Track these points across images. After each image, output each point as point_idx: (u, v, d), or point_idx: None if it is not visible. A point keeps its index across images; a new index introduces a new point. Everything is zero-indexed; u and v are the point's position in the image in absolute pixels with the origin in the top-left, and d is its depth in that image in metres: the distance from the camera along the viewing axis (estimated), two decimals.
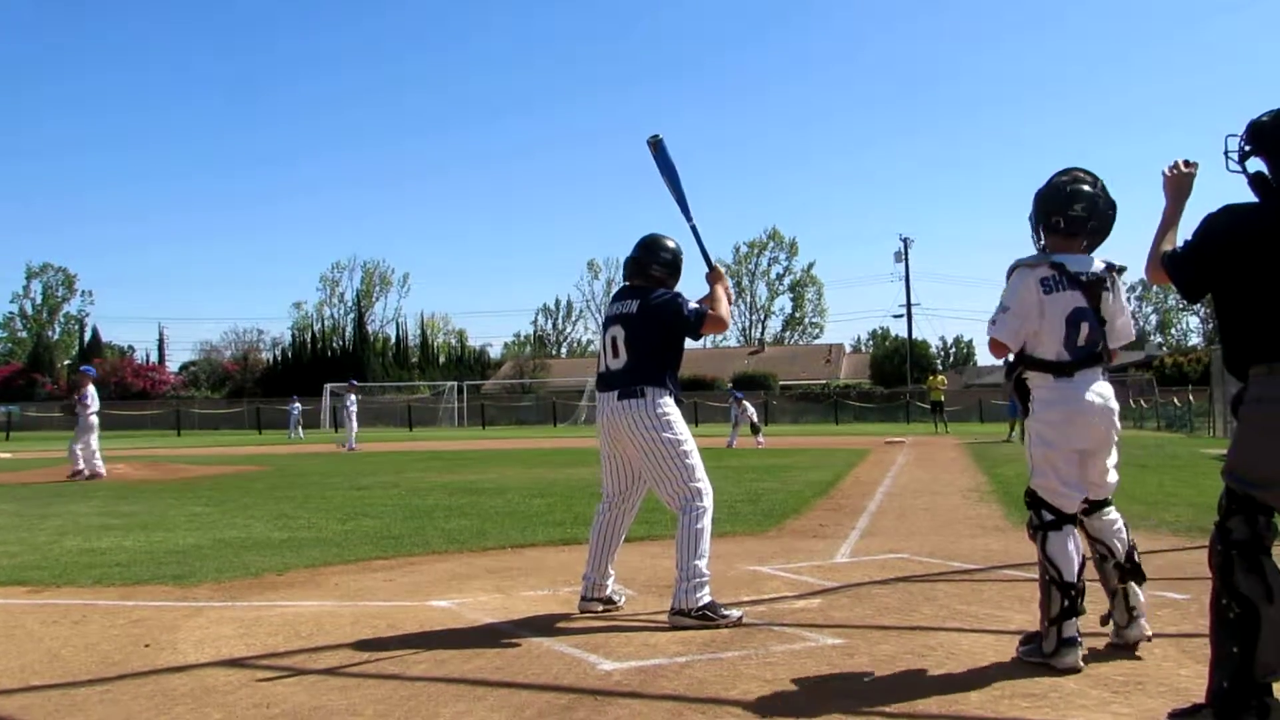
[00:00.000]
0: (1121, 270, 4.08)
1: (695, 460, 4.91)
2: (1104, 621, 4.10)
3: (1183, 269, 3.26)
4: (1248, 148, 3.20)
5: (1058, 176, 4.08)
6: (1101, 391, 3.96)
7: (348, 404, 27.99)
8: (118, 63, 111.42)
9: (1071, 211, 3.98)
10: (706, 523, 4.82)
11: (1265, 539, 3.07)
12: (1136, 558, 4.07)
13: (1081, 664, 3.80)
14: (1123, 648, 4.04)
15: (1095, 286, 3.96)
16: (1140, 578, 4.04)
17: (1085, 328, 3.91)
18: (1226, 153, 3.22)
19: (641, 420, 4.87)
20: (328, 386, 54.53)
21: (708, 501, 4.87)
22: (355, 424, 27.55)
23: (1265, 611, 2.99)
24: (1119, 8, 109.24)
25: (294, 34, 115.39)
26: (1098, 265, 4.01)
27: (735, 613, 4.77)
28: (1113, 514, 4.09)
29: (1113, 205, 4.07)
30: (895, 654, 4.17)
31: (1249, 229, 3.12)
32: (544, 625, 4.86)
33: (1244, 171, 3.21)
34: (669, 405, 4.93)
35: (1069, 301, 3.91)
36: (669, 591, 4.86)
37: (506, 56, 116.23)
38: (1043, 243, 4.09)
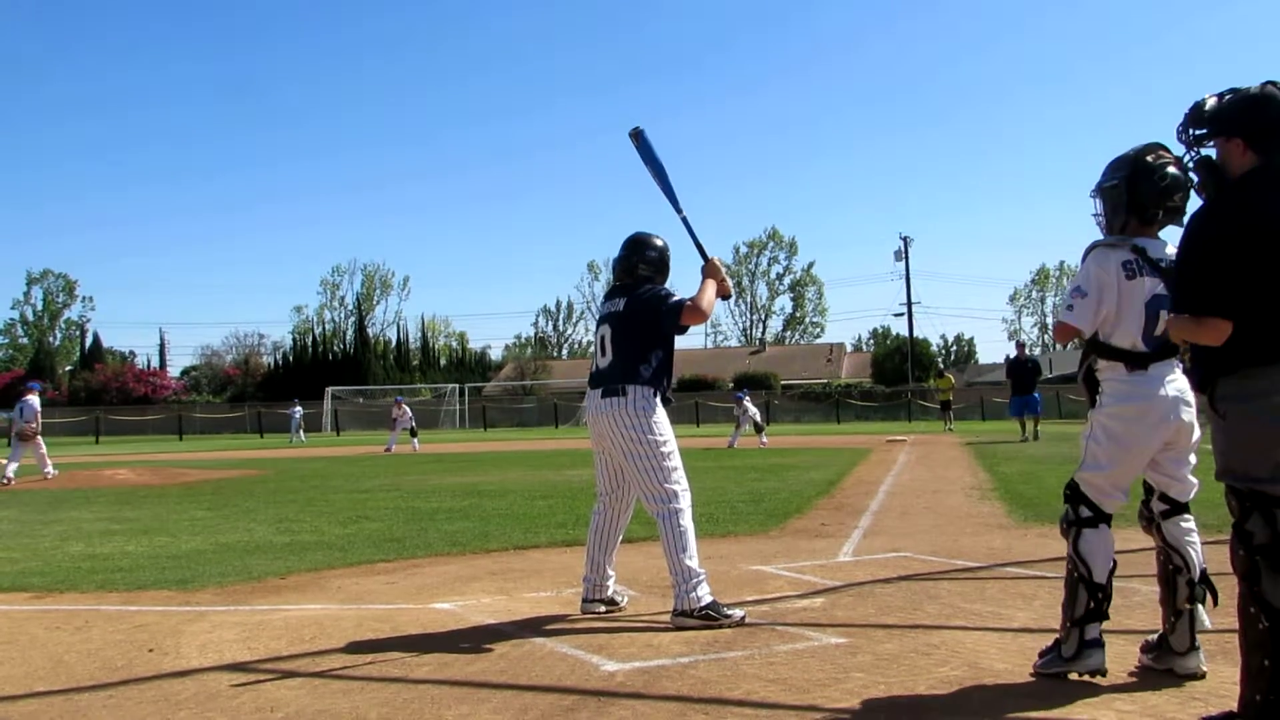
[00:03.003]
0: None
1: (674, 462, 4.91)
2: (1147, 649, 3.77)
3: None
4: (1202, 132, 3.13)
5: (1143, 159, 3.74)
6: (1179, 385, 3.71)
7: (396, 414, 29.03)
8: (116, 67, 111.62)
9: (1171, 202, 3.71)
10: (686, 522, 4.83)
11: None
12: (1208, 577, 3.68)
13: (1106, 666, 3.63)
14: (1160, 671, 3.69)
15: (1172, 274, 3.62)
16: (1215, 597, 3.64)
17: (1164, 317, 3.60)
18: (1188, 145, 3.16)
19: (622, 419, 4.89)
20: (329, 390, 54.62)
21: (684, 502, 4.87)
22: (412, 427, 28.53)
23: None
24: (1119, 4, 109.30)
25: (292, 36, 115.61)
26: (1171, 251, 3.69)
27: (738, 612, 4.77)
28: (1191, 523, 3.75)
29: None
30: (898, 653, 4.17)
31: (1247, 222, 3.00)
32: (547, 627, 4.86)
33: (1195, 163, 3.14)
34: (651, 404, 4.93)
35: (1149, 288, 3.67)
36: (670, 592, 4.86)
37: (505, 57, 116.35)
38: (1122, 224, 3.77)
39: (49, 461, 17.14)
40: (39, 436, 17.35)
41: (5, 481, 15.99)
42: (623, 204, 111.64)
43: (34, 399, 17.75)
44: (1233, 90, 3.15)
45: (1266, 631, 2.87)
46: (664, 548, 4.82)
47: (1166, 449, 3.75)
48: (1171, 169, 3.72)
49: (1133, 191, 3.74)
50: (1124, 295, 3.70)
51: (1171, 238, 3.79)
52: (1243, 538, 2.97)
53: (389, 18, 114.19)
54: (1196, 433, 3.78)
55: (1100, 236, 3.90)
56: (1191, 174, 3.19)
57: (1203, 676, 3.62)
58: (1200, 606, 3.66)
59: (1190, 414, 3.74)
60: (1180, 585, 3.68)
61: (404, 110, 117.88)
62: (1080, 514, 3.74)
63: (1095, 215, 3.93)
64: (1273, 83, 3.09)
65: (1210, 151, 3.17)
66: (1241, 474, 2.97)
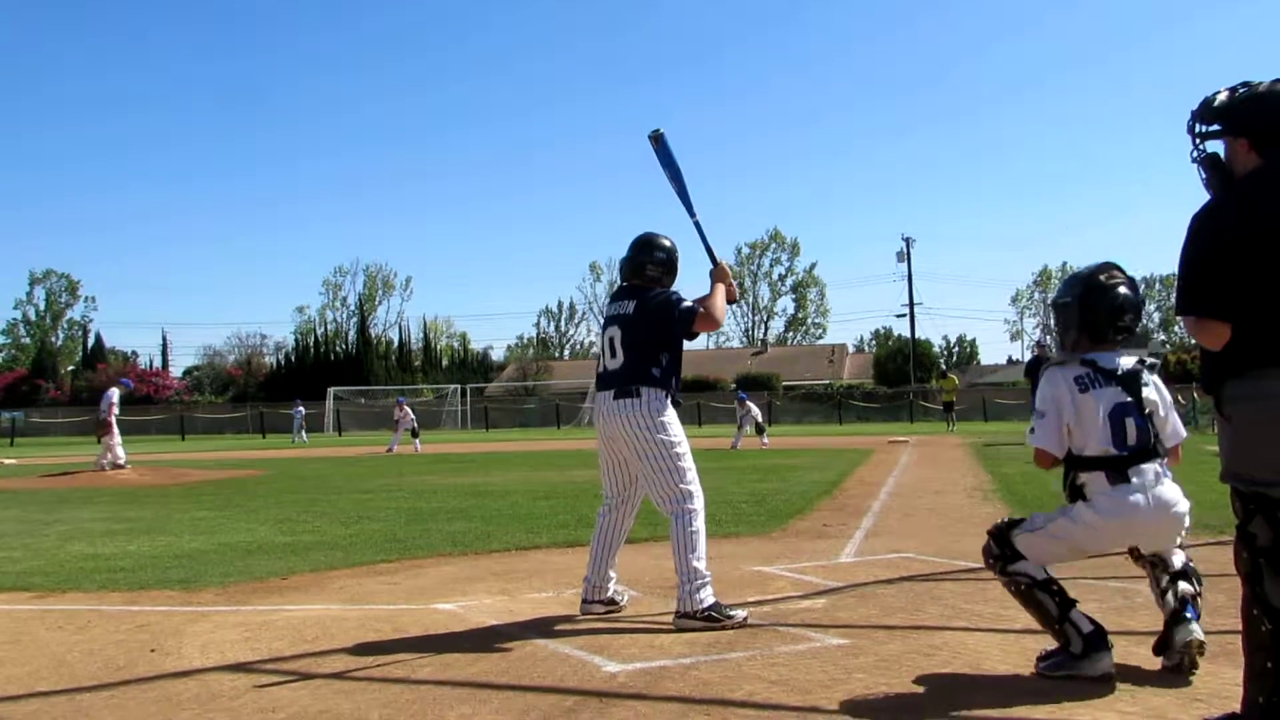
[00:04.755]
0: (1154, 366, 3.86)
1: (687, 463, 4.91)
2: (1157, 650, 3.76)
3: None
4: (1211, 128, 3.10)
5: (1096, 278, 3.83)
6: (1166, 494, 3.70)
7: (398, 415, 28.92)
8: (118, 67, 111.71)
9: (1122, 323, 3.80)
10: (699, 524, 4.82)
11: None
12: (1191, 568, 3.79)
13: (1113, 669, 3.63)
14: (1173, 669, 3.69)
15: (1132, 380, 3.76)
16: (1194, 583, 3.73)
17: (1131, 424, 3.69)
18: (1194, 138, 3.14)
19: (635, 421, 4.88)
20: (331, 390, 54.62)
21: (698, 504, 4.86)
22: (414, 428, 28.32)
23: None
24: (1120, 5, 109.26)
25: (294, 36, 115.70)
26: (1129, 361, 3.82)
27: (740, 613, 4.77)
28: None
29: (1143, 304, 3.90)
30: (900, 654, 4.17)
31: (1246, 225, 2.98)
32: (548, 627, 4.86)
33: (1201, 158, 3.12)
34: (664, 406, 4.92)
35: (1109, 398, 3.71)
36: (673, 593, 4.86)
37: (507, 57, 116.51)
38: (1074, 341, 3.85)
39: (121, 454, 17.79)
40: (110, 429, 17.92)
41: (121, 467, 17.40)
42: (625, 205, 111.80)
43: (110, 391, 18.61)
44: (1245, 84, 3.11)
45: (1269, 634, 2.87)
46: (674, 547, 4.81)
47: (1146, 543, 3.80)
48: (1124, 289, 3.81)
49: (1085, 311, 3.81)
50: (1081, 408, 3.74)
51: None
52: (1246, 540, 2.96)
53: (392, 18, 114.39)
54: (1182, 533, 3.79)
55: (1055, 342, 3.95)
56: (1199, 169, 3.16)
57: (1200, 643, 3.63)
58: (1181, 583, 3.71)
59: (1178, 522, 3.74)
60: (1159, 575, 3.79)
61: (406, 110, 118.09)
62: (1006, 554, 3.81)
63: (1050, 329, 3.95)
64: None
65: (1218, 147, 3.13)
66: (1246, 476, 2.96)
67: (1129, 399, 3.73)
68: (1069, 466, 3.81)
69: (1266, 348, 2.92)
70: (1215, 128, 3.11)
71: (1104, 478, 3.69)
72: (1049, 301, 3.98)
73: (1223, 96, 3.11)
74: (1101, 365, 3.77)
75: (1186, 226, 3.09)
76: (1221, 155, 3.13)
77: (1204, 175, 3.15)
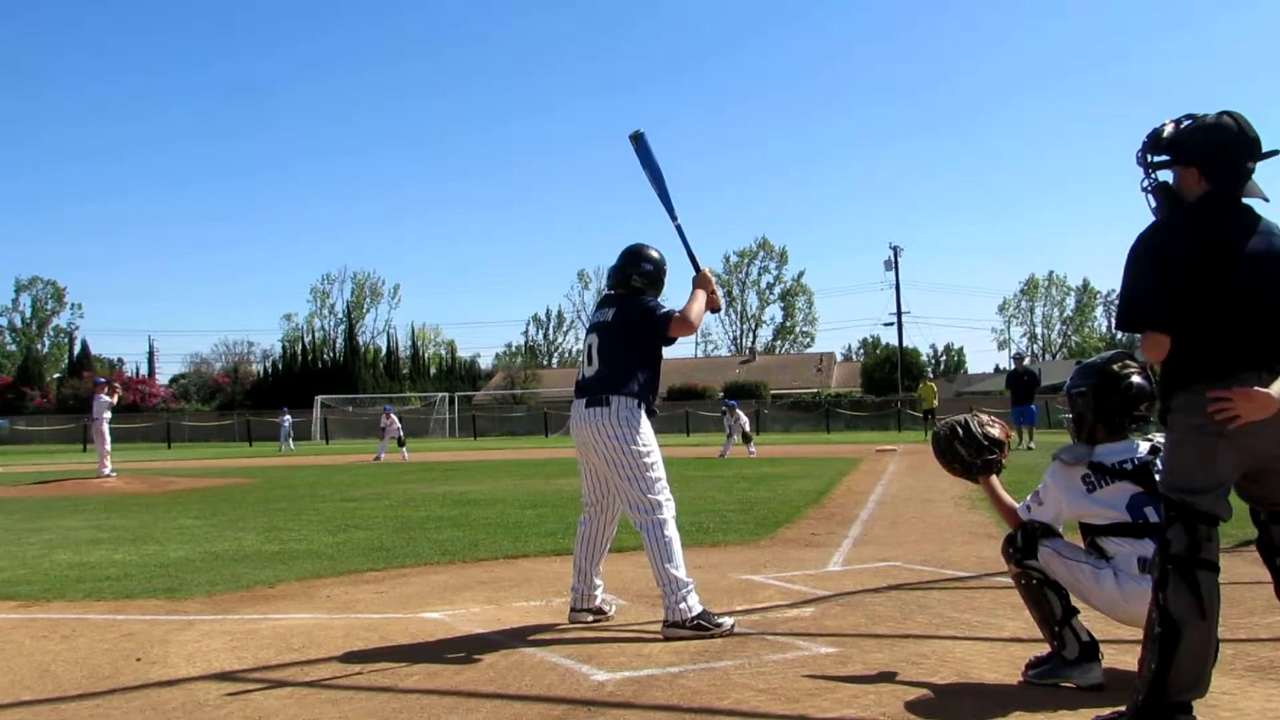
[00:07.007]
0: None
1: (657, 473, 4.89)
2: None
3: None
4: (1161, 158, 3.21)
5: (1110, 368, 3.85)
6: None
7: (384, 424, 28.62)
8: (105, 73, 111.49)
9: (1138, 411, 3.83)
10: (671, 532, 4.81)
11: (1205, 550, 3.03)
12: None
13: (1104, 680, 3.67)
14: None
15: (1143, 470, 3.75)
16: None
17: (1151, 511, 3.66)
18: (1144, 168, 3.24)
19: (605, 429, 4.87)
20: (318, 398, 54.47)
21: (667, 513, 4.85)
22: (400, 436, 28.12)
23: (1188, 631, 2.98)
24: (1105, 15, 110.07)
25: (283, 44, 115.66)
26: (1141, 449, 3.81)
27: (728, 622, 4.77)
28: None
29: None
30: (888, 662, 4.18)
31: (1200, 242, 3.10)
32: (536, 636, 4.85)
33: (1153, 187, 3.23)
34: (635, 415, 4.90)
35: (1122, 492, 3.73)
36: (660, 601, 4.85)
37: (496, 66, 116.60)
38: (1089, 431, 3.87)
39: (108, 464, 17.41)
40: (100, 435, 17.55)
41: (106, 475, 16.95)
42: (614, 213, 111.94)
43: (99, 395, 17.93)
44: (1191, 117, 3.23)
45: (1158, 638, 3.03)
46: (649, 558, 4.82)
47: None
48: (1137, 378, 3.83)
49: (1099, 401, 3.84)
50: (1089, 507, 3.77)
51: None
52: (1161, 545, 3.11)
53: (380, 27, 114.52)
54: None
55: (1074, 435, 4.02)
56: (1149, 197, 3.27)
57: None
58: None
59: None
60: None
61: (394, 119, 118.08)
62: (1027, 549, 3.81)
63: (1074, 423, 4.01)
64: (1229, 112, 3.18)
65: (1167, 176, 3.25)
66: (1182, 486, 3.10)
67: (1141, 489, 3.73)
68: (1085, 532, 3.83)
69: (1200, 364, 3.08)
70: (1165, 158, 3.23)
71: (1134, 561, 3.65)
72: (1064, 391, 4.02)
73: (1169, 129, 3.22)
74: (1107, 464, 3.77)
75: (1129, 248, 3.21)
76: (1171, 184, 3.24)
77: (1154, 203, 3.26)
